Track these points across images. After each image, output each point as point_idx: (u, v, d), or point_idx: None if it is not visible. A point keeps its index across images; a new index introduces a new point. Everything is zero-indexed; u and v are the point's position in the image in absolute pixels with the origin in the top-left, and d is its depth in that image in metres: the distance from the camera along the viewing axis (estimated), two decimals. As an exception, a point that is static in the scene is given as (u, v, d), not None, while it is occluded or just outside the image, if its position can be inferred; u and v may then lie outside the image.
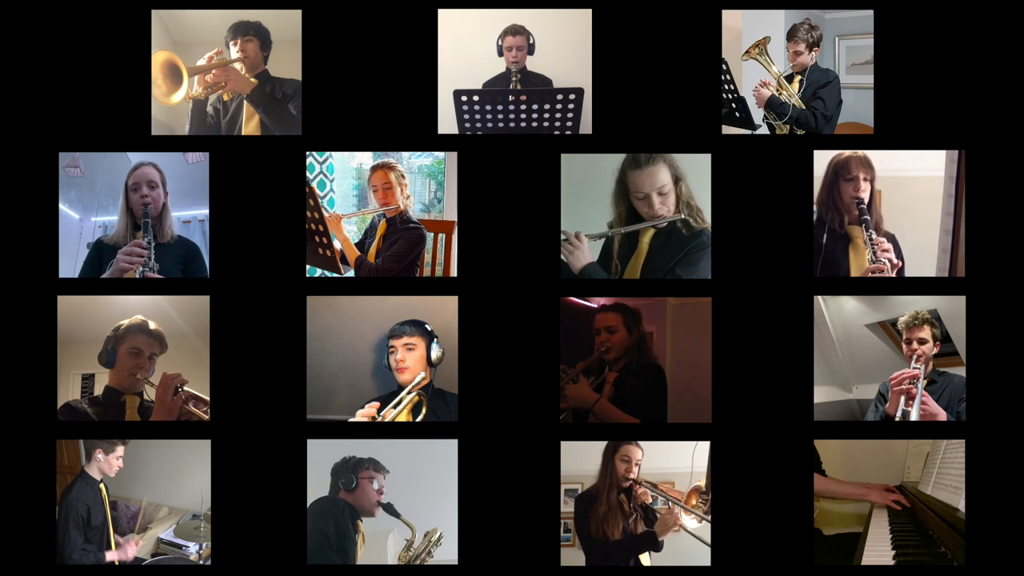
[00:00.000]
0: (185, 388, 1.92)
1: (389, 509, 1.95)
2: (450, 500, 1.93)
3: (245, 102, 2.10)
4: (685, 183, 1.95)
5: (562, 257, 1.92)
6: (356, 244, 2.48)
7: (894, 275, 1.93)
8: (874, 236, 1.93)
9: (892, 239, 1.98)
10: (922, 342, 1.91)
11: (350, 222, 2.76)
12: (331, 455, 1.95)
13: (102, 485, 1.99)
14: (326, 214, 2.18)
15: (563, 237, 1.92)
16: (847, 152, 1.95)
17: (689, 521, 1.95)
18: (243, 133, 2.10)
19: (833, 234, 1.97)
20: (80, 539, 1.93)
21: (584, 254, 1.93)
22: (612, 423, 1.95)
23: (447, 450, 1.92)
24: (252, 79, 2.10)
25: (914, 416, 1.83)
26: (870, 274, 1.92)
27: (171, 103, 1.99)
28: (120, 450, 1.97)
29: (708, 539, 1.91)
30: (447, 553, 1.94)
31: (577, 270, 1.93)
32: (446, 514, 1.94)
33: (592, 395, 1.96)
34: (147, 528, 2.08)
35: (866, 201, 1.95)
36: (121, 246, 1.99)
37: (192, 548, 2.00)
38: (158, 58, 1.94)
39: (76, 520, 1.93)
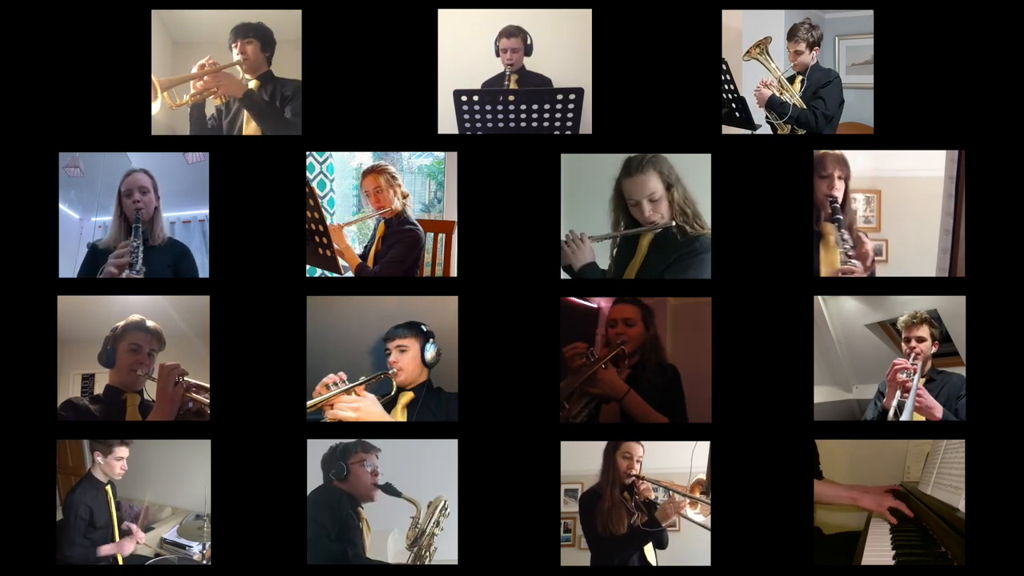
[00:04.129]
0: (185, 378, 1.92)
1: (388, 489, 1.95)
2: (450, 500, 1.93)
3: (246, 103, 2.10)
4: (679, 189, 1.94)
5: (565, 258, 1.93)
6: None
7: (866, 275, 1.93)
8: (845, 235, 1.93)
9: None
10: (920, 340, 1.91)
11: (350, 230, 2.75)
12: (338, 441, 1.94)
13: (108, 487, 1.99)
14: (329, 223, 2.18)
15: (568, 238, 1.93)
16: (824, 150, 1.95)
17: (695, 514, 1.95)
18: (244, 134, 2.09)
19: None
20: (78, 538, 1.93)
21: (586, 254, 1.93)
22: (634, 419, 1.94)
23: (447, 450, 1.93)
24: (254, 78, 2.09)
25: (908, 408, 1.84)
26: (840, 275, 1.93)
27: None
28: (119, 451, 1.97)
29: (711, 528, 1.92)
30: (447, 553, 1.94)
31: (577, 269, 1.93)
32: (448, 520, 1.95)
33: (623, 386, 1.94)
34: (151, 528, 2.09)
35: (840, 200, 1.95)
36: (114, 250, 2.00)
37: (195, 548, 2.00)
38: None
39: (74, 520, 1.93)
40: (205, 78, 2.08)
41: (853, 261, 1.92)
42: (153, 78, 1.95)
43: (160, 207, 2.07)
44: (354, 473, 1.93)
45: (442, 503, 1.95)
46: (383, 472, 1.96)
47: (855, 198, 2.00)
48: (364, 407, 1.91)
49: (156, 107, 1.97)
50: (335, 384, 1.90)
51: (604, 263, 2.02)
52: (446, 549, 1.94)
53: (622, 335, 1.98)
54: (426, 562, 1.94)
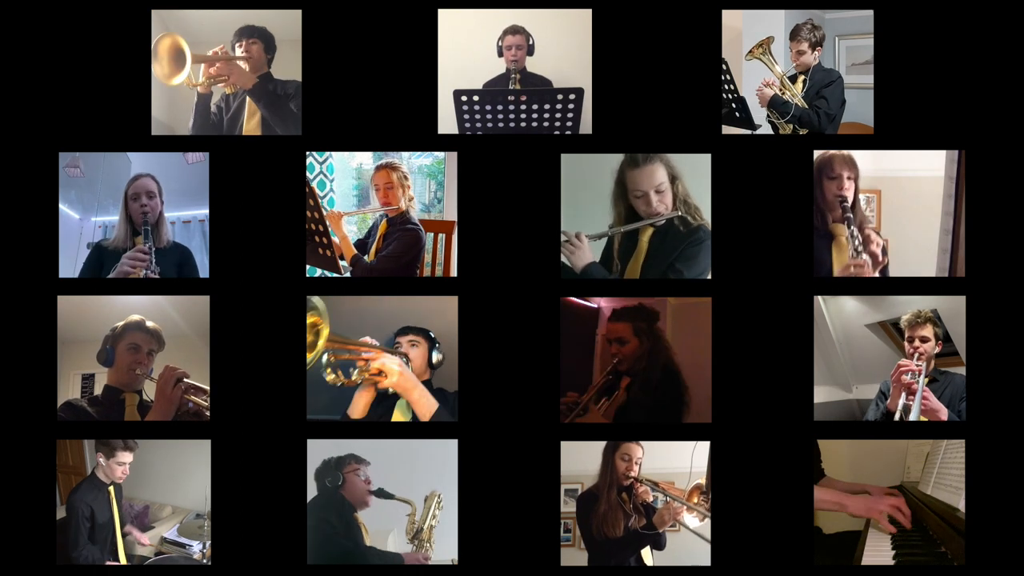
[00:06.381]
0: (185, 380, 1.93)
1: (381, 493, 1.97)
2: (450, 500, 1.94)
3: (247, 100, 2.10)
4: (681, 182, 1.97)
5: (563, 259, 1.93)
6: (357, 243, 2.49)
7: (877, 274, 1.92)
8: (855, 232, 1.93)
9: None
10: (924, 340, 1.91)
11: (350, 221, 2.76)
12: (329, 455, 1.95)
13: (111, 487, 1.99)
14: (327, 211, 2.19)
15: (564, 238, 1.93)
16: (831, 151, 1.95)
17: (691, 519, 1.95)
18: (244, 131, 2.10)
19: (817, 232, 1.96)
20: (83, 538, 1.94)
21: (585, 254, 1.94)
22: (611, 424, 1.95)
23: (447, 450, 1.93)
24: (255, 77, 2.09)
25: (915, 411, 1.83)
26: (851, 269, 1.92)
27: (170, 84, 1.99)
28: (122, 456, 1.97)
29: (708, 537, 1.91)
30: (447, 552, 1.94)
31: (579, 270, 1.93)
32: (446, 513, 1.95)
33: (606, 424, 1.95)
34: (151, 528, 2.09)
35: (850, 200, 1.95)
36: (121, 251, 2.01)
37: (196, 547, 2.01)
38: (165, 42, 1.94)
39: (77, 519, 1.94)
40: (218, 64, 2.09)
41: (863, 256, 1.92)
42: (185, 48, 1.96)
43: (163, 211, 2.08)
44: (349, 481, 1.95)
45: (437, 497, 1.97)
46: (378, 477, 1.97)
47: (856, 198, 2.00)
48: (400, 366, 1.94)
49: (181, 78, 1.98)
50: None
51: (608, 261, 2.03)
52: (446, 540, 1.94)
53: (617, 355, 1.99)
54: (428, 551, 1.96)
